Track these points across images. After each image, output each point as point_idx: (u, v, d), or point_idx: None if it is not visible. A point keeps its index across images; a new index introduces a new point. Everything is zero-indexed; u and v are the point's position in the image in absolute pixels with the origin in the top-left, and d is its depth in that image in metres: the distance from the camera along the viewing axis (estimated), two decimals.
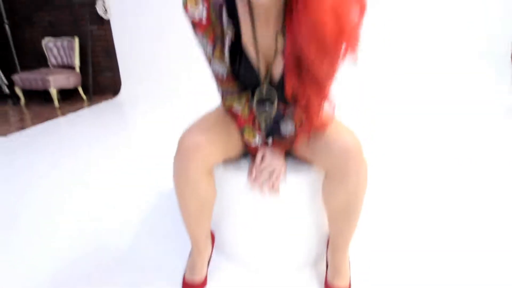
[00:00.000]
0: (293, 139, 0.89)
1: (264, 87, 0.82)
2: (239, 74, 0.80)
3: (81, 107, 3.56)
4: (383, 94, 3.35)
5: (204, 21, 0.72)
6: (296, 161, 0.96)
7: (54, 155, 2.12)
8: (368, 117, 2.85)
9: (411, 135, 2.47)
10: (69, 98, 4.03)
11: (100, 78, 4.18)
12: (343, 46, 0.61)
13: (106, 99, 3.94)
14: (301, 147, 0.89)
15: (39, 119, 3.04)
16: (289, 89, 0.71)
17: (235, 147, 0.92)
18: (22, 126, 2.81)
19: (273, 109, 0.84)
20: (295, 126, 0.86)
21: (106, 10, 3.76)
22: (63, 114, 3.25)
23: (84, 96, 3.99)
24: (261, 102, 0.84)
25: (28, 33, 4.17)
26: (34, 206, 1.50)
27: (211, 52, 0.77)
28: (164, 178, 1.74)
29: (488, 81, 3.35)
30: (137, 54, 3.97)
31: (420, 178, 1.67)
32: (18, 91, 3.70)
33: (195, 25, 0.73)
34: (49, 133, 2.61)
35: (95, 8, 3.77)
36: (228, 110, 0.88)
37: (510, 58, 3.28)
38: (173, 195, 1.52)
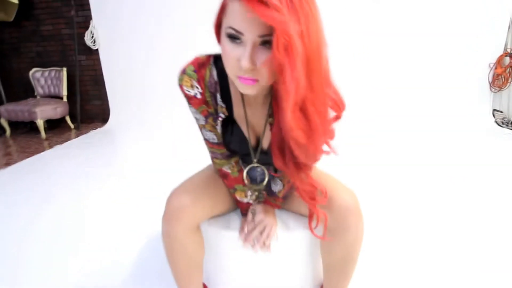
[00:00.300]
0: (284, 198, 0.93)
1: (255, 162, 0.85)
2: (230, 143, 0.83)
3: (69, 138, 3.53)
4: (364, 111, 3.42)
5: (198, 97, 0.76)
6: (293, 215, 0.99)
7: (42, 194, 2.08)
8: (350, 135, 2.91)
9: (390, 153, 2.55)
10: (56, 127, 4.00)
11: (88, 106, 4.18)
12: (315, 148, 0.63)
13: (94, 127, 3.92)
14: (300, 206, 0.93)
15: (26, 153, 3.00)
16: (275, 161, 0.71)
17: (223, 204, 0.96)
18: (8, 161, 2.76)
19: (263, 184, 0.89)
20: (284, 185, 0.91)
21: (94, 41, 3.79)
22: (51, 146, 3.21)
23: (71, 125, 3.97)
24: (252, 171, 0.89)
25: (15, 63, 4.16)
26: (27, 247, 1.47)
27: (203, 123, 0.82)
28: (158, 210, 1.71)
29: (468, 99, 3.49)
30: (126, 82, 3.99)
31: (403, 198, 1.72)
32: (4, 122, 3.65)
33: (189, 99, 0.77)
34: (37, 169, 2.57)
35: (83, 39, 3.81)
36: (218, 170, 0.91)
37: (487, 78, 3.44)
38: None
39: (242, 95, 0.77)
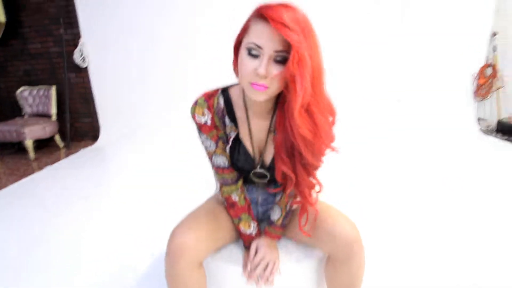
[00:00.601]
0: (284, 227, 0.96)
1: (258, 168, 0.93)
2: (238, 160, 0.91)
3: (58, 158, 3.48)
4: (352, 121, 3.46)
5: (209, 123, 0.87)
6: (296, 245, 1.01)
7: (34, 219, 2.04)
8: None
9: (379, 164, 2.61)
10: (45, 146, 3.93)
11: (78, 124, 4.13)
12: (320, 146, 0.77)
13: (84, 145, 3.87)
14: (302, 235, 0.94)
15: (14, 175, 2.94)
16: (278, 171, 0.84)
17: (225, 238, 0.97)
18: None
19: (266, 180, 0.95)
20: (282, 212, 0.95)
21: (84, 59, 3.77)
22: (40, 167, 3.15)
23: (61, 144, 3.91)
24: (257, 175, 0.95)
25: (3, 82, 4.09)
26: (23, 275, 1.45)
27: (213, 148, 0.90)
28: (154, 230, 1.72)
29: (454, 109, 3.59)
30: (116, 99, 3.97)
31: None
32: None
33: (201, 127, 0.88)
34: (27, 193, 2.52)
35: (72, 57, 3.79)
36: (226, 199, 0.96)
37: (471, 88, 3.56)
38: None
39: (247, 115, 0.88)
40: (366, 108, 3.58)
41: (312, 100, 0.71)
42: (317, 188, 0.85)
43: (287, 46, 0.67)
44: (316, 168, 0.83)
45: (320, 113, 0.73)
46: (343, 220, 0.87)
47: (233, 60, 0.82)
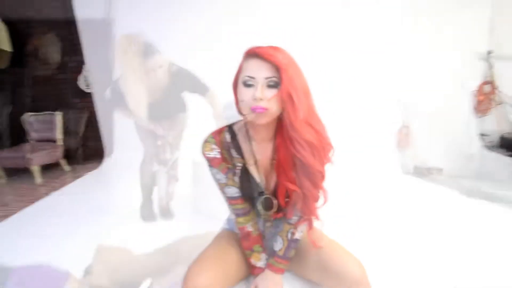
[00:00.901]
0: (287, 259, 0.98)
1: (266, 193, 0.99)
2: (246, 188, 0.98)
3: (64, 182, 3.51)
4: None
5: (218, 157, 0.96)
6: (302, 282, 1.02)
7: (41, 250, 2.03)
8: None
9: (380, 183, 2.61)
10: (51, 169, 3.97)
11: (83, 148, 4.18)
12: (324, 149, 0.87)
13: (90, 169, 3.90)
14: (309, 272, 0.98)
15: (22, 202, 2.96)
16: (282, 192, 0.93)
17: (237, 275, 1.00)
18: (6, 213, 2.71)
19: (272, 211, 0.99)
20: (284, 242, 0.98)
21: (88, 84, 3.86)
22: (47, 192, 3.18)
23: (67, 168, 3.94)
24: (264, 204, 0.99)
25: (9, 109, 4.16)
26: None
27: (224, 181, 0.98)
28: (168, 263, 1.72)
29: (457, 126, 3.61)
30: (121, 122, 4.01)
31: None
32: None
33: (211, 161, 0.96)
34: (34, 221, 2.54)
35: (77, 82, 3.87)
36: (241, 229, 1.00)
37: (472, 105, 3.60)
38: None
39: (251, 146, 0.96)
40: (368, 130, 3.57)
41: (307, 113, 0.83)
42: (321, 200, 0.92)
43: (276, 72, 0.81)
44: (323, 177, 0.90)
45: (316, 123, 0.86)
46: (349, 259, 0.90)
47: (235, 100, 0.91)
